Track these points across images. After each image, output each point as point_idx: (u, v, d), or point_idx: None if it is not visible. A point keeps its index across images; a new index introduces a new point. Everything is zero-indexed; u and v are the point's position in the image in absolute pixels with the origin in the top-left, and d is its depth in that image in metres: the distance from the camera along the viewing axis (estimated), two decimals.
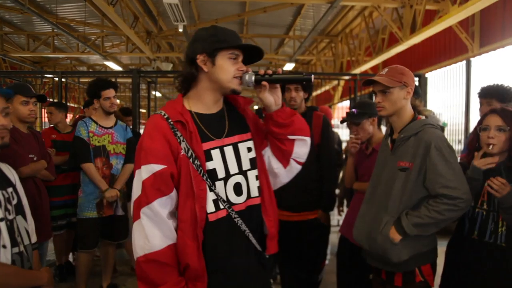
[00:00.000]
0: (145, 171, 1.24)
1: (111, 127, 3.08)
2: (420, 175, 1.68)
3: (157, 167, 1.24)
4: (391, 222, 1.70)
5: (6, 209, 1.40)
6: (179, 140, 1.27)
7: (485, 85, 2.64)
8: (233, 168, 1.34)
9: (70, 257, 3.91)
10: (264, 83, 1.33)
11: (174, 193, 1.27)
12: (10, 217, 1.41)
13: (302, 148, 1.46)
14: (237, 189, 1.34)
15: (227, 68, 1.32)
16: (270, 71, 1.34)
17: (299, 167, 1.52)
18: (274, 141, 1.43)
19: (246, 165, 1.37)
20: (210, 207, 1.28)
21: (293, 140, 1.42)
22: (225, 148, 1.34)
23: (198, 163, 1.27)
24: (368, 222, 1.82)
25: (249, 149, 1.40)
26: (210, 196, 1.28)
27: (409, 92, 1.75)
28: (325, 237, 2.83)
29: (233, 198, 1.33)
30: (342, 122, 2.63)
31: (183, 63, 1.44)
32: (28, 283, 1.41)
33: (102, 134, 3.01)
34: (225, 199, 1.30)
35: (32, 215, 2.40)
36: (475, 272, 1.76)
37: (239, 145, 1.38)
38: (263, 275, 1.44)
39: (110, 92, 3.00)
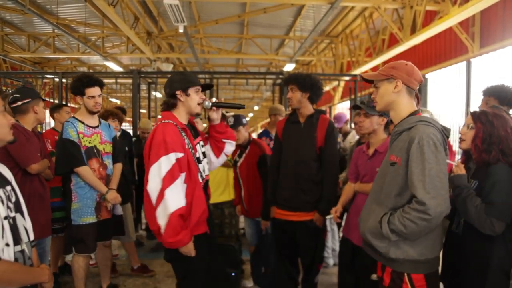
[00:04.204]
0: (174, 156, 1.93)
1: (97, 126, 2.94)
2: (407, 170, 1.63)
3: (180, 154, 1.96)
4: (380, 215, 1.68)
5: (8, 207, 1.42)
6: (184, 138, 2.03)
7: (492, 84, 2.66)
8: (201, 156, 2.19)
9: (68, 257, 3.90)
10: (214, 108, 2.21)
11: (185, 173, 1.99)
12: (12, 214, 1.43)
13: (229, 147, 2.37)
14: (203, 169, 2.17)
15: (194, 98, 2.10)
16: (217, 100, 2.26)
17: (226, 158, 2.40)
18: (214, 141, 2.32)
19: (201, 155, 2.20)
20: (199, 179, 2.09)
21: (225, 142, 2.33)
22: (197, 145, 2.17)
23: (193, 152, 2.08)
24: (364, 212, 1.85)
25: (202, 146, 2.24)
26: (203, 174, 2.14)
27: (397, 86, 1.69)
28: (321, 240, 2.83)
29: (203, 174, 2.16)
30: (354, 108, 2.62)
31: (168, 93, 2.12)
32: (31, 280, 1.43)
33: (91, 134, 2.87)
34: (203, 174, 2.14)
35: (38, 211, 2.60)
36: (449, 259, 1.99)
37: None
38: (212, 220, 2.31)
39: (95, 91, 2.81)
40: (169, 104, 2.11)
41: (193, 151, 2.07)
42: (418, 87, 1.75)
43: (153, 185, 1.90)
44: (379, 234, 1.66)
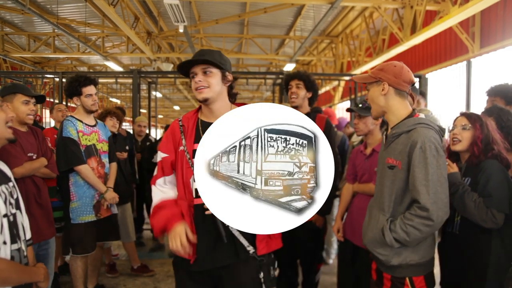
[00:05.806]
0: (159, 156, 1.73)
1: (95, 125, 2.97)
2: (408, 174, 1.60)
3: (163, 155, 1.71)
4: (380, 221, 1.67)
5: (10, 203, 1.42)
6: (183, 138, 1.67)
7: (495, 84, 2.66)
8: None
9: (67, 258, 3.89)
10: None
11: (173, 176, 1.71)
12: (13, 211, 1.43)
13: None
14: None
15: (192, 86, 1.66)
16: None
17: None
18: None
19: None
20: (195, 193, 1.62)
21: None
22: None
23: (188, 157, 1.64)
24: (366, 218, 1.84)
25: None
26: (194, 184, 1.59)
27: (384, 88, 1.66)
28: (321, 240, 2.83)
29: None
30: (348, 110, 2.65)
31: None
32: (27, 279, 1.44)
33: (90, 133, 2.89)
34: None
35: (36, 213, 2.44)
36: (444, 260, 2.04)
37: None
38: (228, 251, 1.63)
39: (92, 89, 2.85)
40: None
41: (188, 155, 1.63)
42: (409, 88, 1.69)
43: None
44: (381, 242, 1.64)
